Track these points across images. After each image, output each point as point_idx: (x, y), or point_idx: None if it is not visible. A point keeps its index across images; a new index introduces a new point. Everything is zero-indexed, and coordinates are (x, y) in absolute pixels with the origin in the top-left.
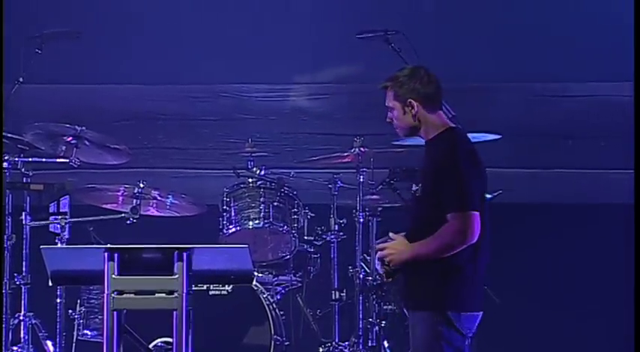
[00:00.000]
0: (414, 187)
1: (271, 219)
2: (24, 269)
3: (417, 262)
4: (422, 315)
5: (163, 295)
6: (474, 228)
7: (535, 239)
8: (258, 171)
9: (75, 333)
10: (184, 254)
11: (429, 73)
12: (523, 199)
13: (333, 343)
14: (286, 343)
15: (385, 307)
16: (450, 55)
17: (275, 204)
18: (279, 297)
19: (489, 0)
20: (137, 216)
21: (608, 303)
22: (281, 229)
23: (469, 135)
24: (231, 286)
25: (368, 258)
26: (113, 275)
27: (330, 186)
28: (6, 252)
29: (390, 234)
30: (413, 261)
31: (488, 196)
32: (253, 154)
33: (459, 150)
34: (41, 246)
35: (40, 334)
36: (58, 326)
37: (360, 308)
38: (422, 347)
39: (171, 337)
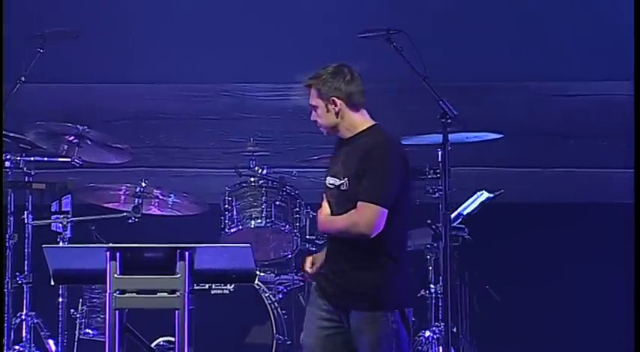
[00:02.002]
0: (337, 181)
1: (273, 219)
2: (26, 268)
3: (358, 262)
4: (375, 315)
5: (165, 294)
6: (378, 224)
7: (536, 238)
8: (260, 171)
9: (77, 332)
10: (186, 253)
11: (352, 72)
12: (524, 198)
13: None
14: (288, 342)
15: None
16: (452, 54)
17: (277, 203)
18: (281, 296)
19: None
20: (139, 215)
21: (608, 302)
22: (283, 228)
23: (470, 134)
24: (233, 285)
25: None
26: (115, 275)
27: None
28: (8, 251)
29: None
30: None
31: (489, 195)
32: (255, 153)
33: (389, 147)
34: (43, 245)
35: (42, 333)
36: (60, 326)
37: None
38: (379, 347)
39: (173, 336)
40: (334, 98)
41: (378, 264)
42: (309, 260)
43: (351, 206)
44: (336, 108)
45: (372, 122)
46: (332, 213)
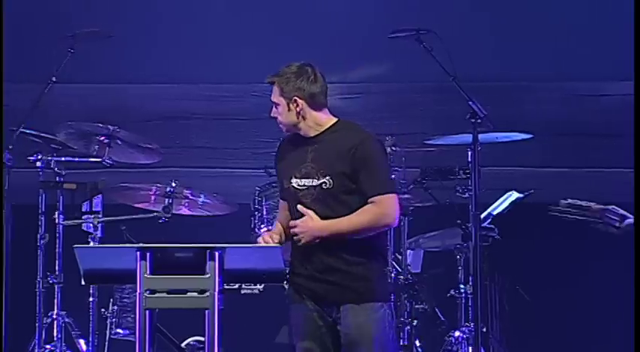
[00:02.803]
0: (313, 181)
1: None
2: (57, 268)
3: (349, 257)
4: (375, 306)
5: (195, 294)
6: (398, 211)
7: (566, 238)
8: None
9: (107, 332)
10: (216, 253)
11: (315, 72)
12: (555, 199)
13: None
14: None
15: (417, 306)
16: (482, 54)
17: None
18: None
19: None
20: (169, 215)
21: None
22: None
23: (500, 134)
24: (262, 285)
25: (399, 257)
26: (145, 275)
27: None
28: (39, 250)
29: (299, 207)
30: (327, 237)
31: (519, 195)
32: None
33: (371, 137)
34: (74, 245)
35: (72, 332)
36: (90, 325)
37: None
38: (381, 336)
39: (203, 336)
40: (296, 98)
41: (369, 258)
42: (272, 236)
43: (338, 203)
44: (298, 108)
45: (335, 118)
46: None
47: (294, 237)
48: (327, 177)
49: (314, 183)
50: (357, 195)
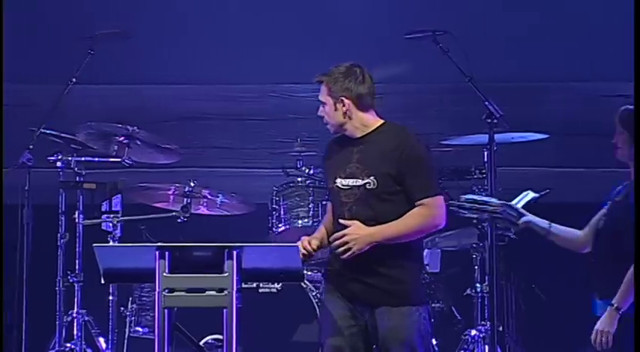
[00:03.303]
0: (357, 181)
1: (320, 218)
2: (77, 267)
3: (386, 260)
4: (411, 310)
5: (214, 293)
6: (445, 212)
7: None
8: (307, 171)
9: (127, 330)
10: (234, 252)
11: (364, 73)
12: (570, 198)
13: None
14: None
15: (433, 305)
16: (498, 55)
17: (324, 203)
18: None
19: (537, 0)
20: (188, 215)
21: None
22: None
23: (516, 134)
24: (280, 284)
25: None
26: (164, 273)
27: None
28: (59, 250)
29: (341, 221)
30: (377, 243)
31: (535, 195)
32: (302, 154)
33: (418, 140)
34: (94, 244)
35: (92, 331)
36: (110, 323)
37: None
38: (413, 340)
39: (222, 334)
40: (343, 98)
41: (406, 261)
42: (311, 242)
43: (380, 204)
44: (344, 108)
45: (381, 120)
46: (352, 214)
47: (341, 249)
48: (372, 178)
49: (358, 183)
50: (400, 196)
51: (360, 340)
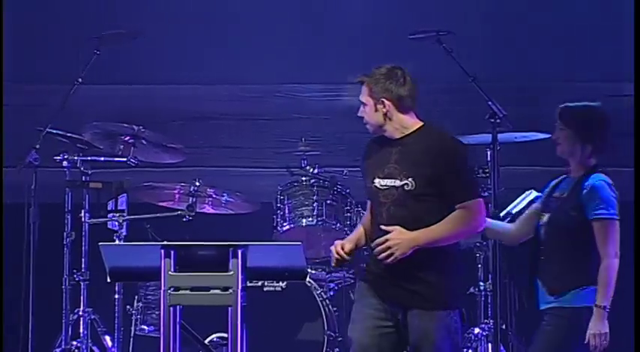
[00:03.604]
0: (396, 182)
1: (324, 217)
2: (83, 265)
3: (422, 263)
4: (441, 314)
5: (219, 291)
6: (484, 214)
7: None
8: (311, 170)
9: (132, 328)
10: (239, 251)
11: (405, 75)
12: None
13: None
14: (339, 338)
15: None
16: (501, 55)
17: (328, 202)
18: (332, 293)
19: (540, 0)
20: (193, 214)
21: None
22: (334, 227)
23: (519, 134)
24: (285, 282)
25: None
26: (170, 272)
27: None
28: (65, 248)
29: (383, 227)
30: (419, 247)
31: (538, 194)
32: (307, 153)
33: (459, 144)
34: (100, 243)
35: (98, 329)
36: (116, 322)
37: None
38: (442, 345)
39: (227, 332)
40: (384, 99)
41: (443, 265)
42: (344, 246)
43: (417, 205)
44: (385, 109)
45: (420, 122)
46: (390, 214)
47: (383, 254)
48: (410, 179)
49: (396, 184)
50: (437, 198)
51: (390, 340)
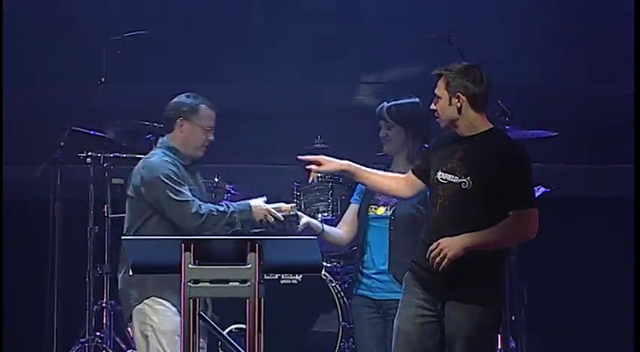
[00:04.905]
0: (455, 178)
1: (339, 212)
2: (106, 259)
3: (478, 259)
4: (477, 310)
5: (237, 284)
6: (537, 225)
7: (591, 232)
8: None
9: None
10: (257, 245)
11: (482, 75)
12: (581, 193)
13: None
14: (353, 329)
15: None
16: (511, 54)
17: (343, 197)
18: (346, 286)
19: (549, 1)
20: None
21: None
22: None
23: (527, 132)
24: (301, 275)
25: None
26: (189, 265)
27: None
28: (89, 242)
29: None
30: (469, 249)
31: (546, 190)
32: (322, 150)
33: (524, 152)
34: (122, 237)
35: (121, 321)
36: None
37: None
38: (474, 340)
39: (244, 323)
40: (459, 94)
41: (491, 263)
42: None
43: (470, 205)
44: (459, 104)
45: (491, 125)
46: (442, 209)
47: (438, 258)
48: (468, 178)
49: (455, 180)
50: (490, 202)
51: (430, 328)
